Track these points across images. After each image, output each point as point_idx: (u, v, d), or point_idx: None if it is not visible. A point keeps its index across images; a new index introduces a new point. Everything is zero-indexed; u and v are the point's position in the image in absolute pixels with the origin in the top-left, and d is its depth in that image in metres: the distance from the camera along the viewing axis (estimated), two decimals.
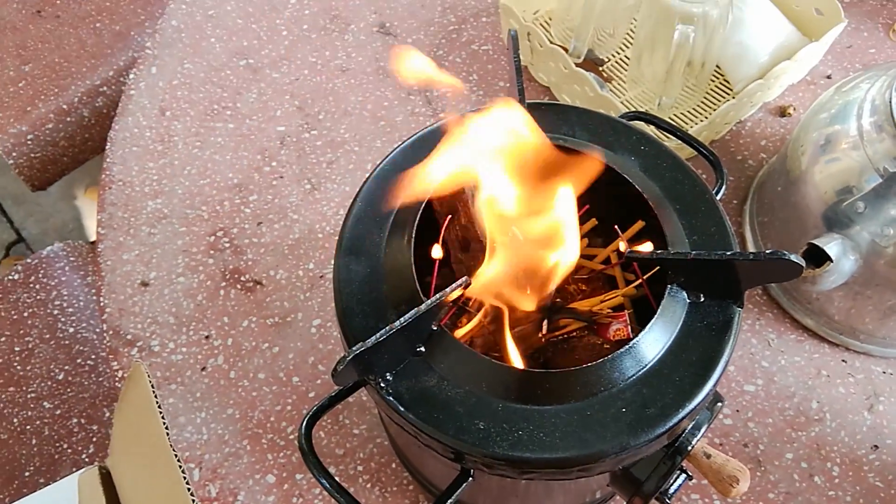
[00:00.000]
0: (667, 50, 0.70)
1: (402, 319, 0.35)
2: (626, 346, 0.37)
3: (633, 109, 0.78)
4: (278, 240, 0.74)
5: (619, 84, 0.81)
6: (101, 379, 0.97)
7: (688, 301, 0.39)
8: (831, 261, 0.53)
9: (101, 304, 0.71)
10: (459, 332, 0.42)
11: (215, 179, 0.77)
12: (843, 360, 0.67)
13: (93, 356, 0.99)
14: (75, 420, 0.95)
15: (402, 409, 0.36)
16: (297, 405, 0.66)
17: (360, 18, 0.89)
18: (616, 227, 0.46)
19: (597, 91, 0.72)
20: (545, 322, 0.43)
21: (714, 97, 0.80)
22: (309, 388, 0.66)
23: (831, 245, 0.53)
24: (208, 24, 0.88)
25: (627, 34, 0.83)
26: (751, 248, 0.72)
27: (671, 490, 0.48)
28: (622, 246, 0.44)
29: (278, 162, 0.78)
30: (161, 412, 0.46)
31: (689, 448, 0.40)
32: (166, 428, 0.44)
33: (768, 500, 0.60)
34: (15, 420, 0.95)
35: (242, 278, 0.72)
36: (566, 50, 0.77)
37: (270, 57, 0.85)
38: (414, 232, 0.40)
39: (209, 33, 0.87)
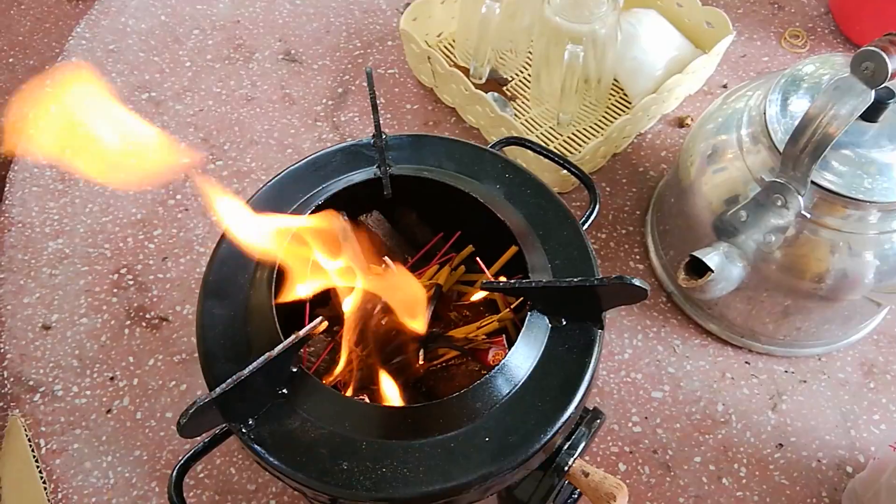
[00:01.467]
0: (561, 69, 0.71)
1: (253, 365, 0.34)
2: (485, 377, 0.37)
3: (534, 127, 0.79)
4: (184, 274, 0.73)
5: (523, 102, 0.82)
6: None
7: (549, 326, 0.40)
8: (712, 271, 0.54)
9: (1, 350, 0.69)
10: (334, 372, 0.42)
11: (118, 216, 0.76)
12: (747, 362, 0.69)
13: None
14: None
15: (264, 454, 0.36)
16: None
17: (264, 46, 0.88)
18: (493, 252, 0.47)
19: (496, 111, 0.73)
20: (421, 351, 0.44)
21: (615, 112, 0.81)
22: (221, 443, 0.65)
23: (711, 256, 0.54)
24: (109, 59, 0.87)
25: (529, 53, 0.84)
26: (653, 256, 0.73)
27: None
28: (485, 276, 0.44)
29: (183, 195, 0.77)
30: (38, 467, 0.45)
31: (567, 468, 0.41)
32: (44, 482, 0.43)
33: None
34: None
35: (147, 315, 0.70)
36: (467, 72, 0.78)
37: (173, 89, 0.85)
38: (275, 275, 0.40)
39: (110, 68, 0.86)
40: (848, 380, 0.68)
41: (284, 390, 0.38)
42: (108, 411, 0.66)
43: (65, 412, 0.66)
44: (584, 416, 0.43)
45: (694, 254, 0.54)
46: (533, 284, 0.38)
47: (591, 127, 0.80)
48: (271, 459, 0.36)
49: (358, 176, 0.44)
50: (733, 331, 0.69)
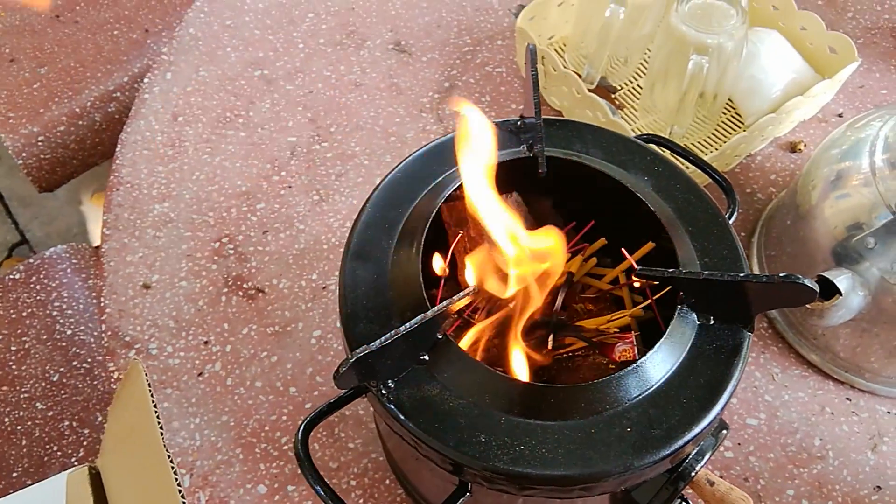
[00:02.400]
0: (680, 80, 0.70)
1: (407, 325, 0.34)
2: (633, 366, 0.36)
3: None
4: (283, 249, 0.73)
5: (630, 112, 0.81)
6: (95, 383, 0.96)
7: (697, 323, 0.39)
8: (840, 294, 0.52)
9: (102, 304, 0.70)
10: (464, 343, 0.42)
11: (223, 186, 0.77)
12: (848, 399, 0.66)
13: (89, 359, 0.99)
14: (67, 423, 0.94)
15: (402, 417, 0.36)
16: (292, 416, 0.65)
17: (376, 35, 0.89)
18: (625, 248, 0.46)
19: (608, 116, 0.72)
20: (550, 338, 0.43)
21: (725, 129, 0.80)
22: (306, 399, 0.66)
23: (841, 279, 0.53)
24: (225, 34, 0.89)
25: (641, 63, 0.83)
26: None
27: None
28: (633, 265, 0.43)
29: (287, 172, 0.78)
30: (157, 412, 0.46)
31: (693, 474, 0.40)
32: (161, 429, 0.44)
33: None
34: (6, 419, 0.94)
35: (245, 286, 0.71)
36: (579, 76, 0.77)
37: (285, 69, 0.86)
38: (423, 241, 0.40)
39: (225, 42, 0.88)
40: None
41: (426, 356, 0.37)
42: (200, 374, 0.67)
43: (157, 370, 0.67)
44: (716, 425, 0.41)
45: (823, 274, 0.53)
46: (691, 276, 0.37)
47: (700, 143, 0.79)
48: (409, 423, 0.36)
49: (507, 154, 0.44)
50: (836, 364, 0.67)
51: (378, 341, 0.33)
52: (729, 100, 0.81)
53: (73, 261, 1.07)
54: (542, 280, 0.41)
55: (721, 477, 0.62)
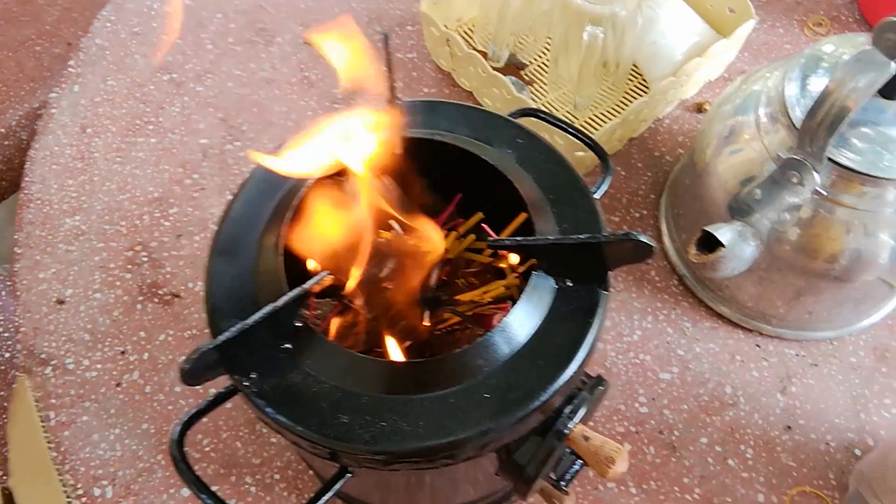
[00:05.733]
0: (579, 52, 0.70)
1: (256, 315, 0.34)
2: (487, 334, 0.36)
3: (552, 111, 0.79)
4: (198, 252, 0.73)
5: (540, 87, 0.81)
6: None
7: (555, 287, 0.39)
8: (724, 246, 0.53)
9: (17, 323, 0.69)
10: (335, 329, 0.42)
11: (135, 194, 0.77)
12: (757, 345, 0.68)
13: (9, 375, 0.97)
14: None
15: (265, 406, 0.36)
16: (213, 417, 0.65)
17: (285, 30, 0.89)
18: (502, 221, 0.46)
19: (513, 94, 0.73)
20: (427, 313, 0.43)
21: (633, 97, 0.80)
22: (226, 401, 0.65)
23: (722, 231, 0.53)
24: (133, 41, 0.88)
25: (547, 38, 0.83)
26: (666, 239, 0.73)
27: (567, 476, 0.49)
28: (490, 236, 0.44)
29: (200, 174, 0.78)
30: (44, 427, 0.45)
31: (566, 431, 0.40)
32: (49, 443, 0.43)
33: (683, 484, 0.61)
34: None
35: (160, 292, 0.71)
36: (485, 56, 0.77)
37: (195, 71, 0.85)
38: (283, 232, 0.40)
39: (133, 50, 0.87)
40: (860, 364, 0.67)
41: (288, 345, 0.37)
42: (118, 385, 0.66)
43: (75, 385, 0.66)
44: (587, 382, 0.42)
45: (706, 228, 0.53)
46: (539, 241, 0.38)
47: (608, 111, 0.79)
48: (271, 412, 0.36)
49: (371, 138, 0.44)
50: (744, 313, 0.68)
51: (223, 335, 0.34)
52: (635, 67, 0.81)
53: (7, 283, 1.06)
54: (414, 259, 0.41)
55: (636, 433, 0.63)
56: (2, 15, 1.29)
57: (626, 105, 0.79)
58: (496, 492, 0.54)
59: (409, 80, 0.84)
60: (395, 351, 0.41)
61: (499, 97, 0.75)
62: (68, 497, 0.43)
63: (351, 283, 0.41)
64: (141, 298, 0.71)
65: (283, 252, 0.40)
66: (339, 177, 0.43)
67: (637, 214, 0.74)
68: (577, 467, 0.47)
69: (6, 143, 1.16)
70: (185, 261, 0.73)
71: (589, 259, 0.39)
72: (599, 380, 0.43)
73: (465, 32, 0.86)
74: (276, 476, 0.62)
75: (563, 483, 0.48)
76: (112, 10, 0.91)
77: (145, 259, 0.73)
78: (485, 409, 0.36)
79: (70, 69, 0.86)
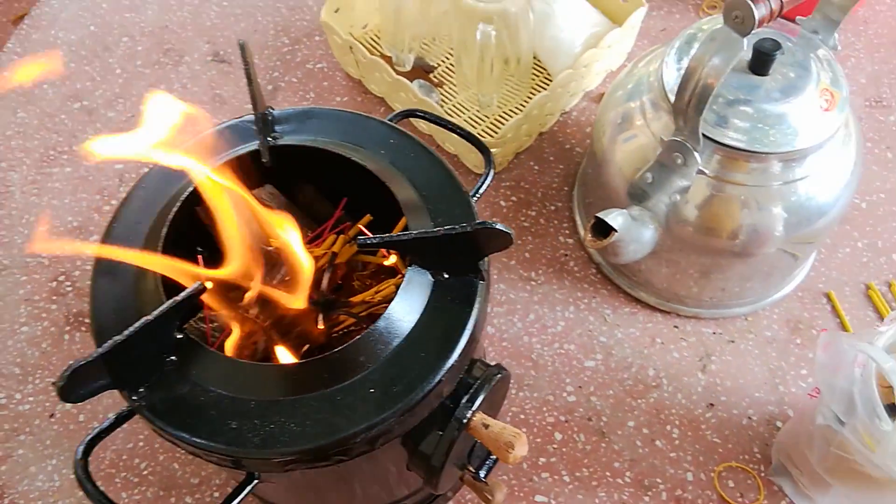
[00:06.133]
0: (476, 51, 0.73)
1: (129, 329, 0.36)
2: (367, 330, 0.38)
3: (460, 112, 0.81)
4: None
5: (450, 88, 0.84)
6: None
7: (432, 280, 0.41)
8: (615, 230, 0.56)
9: None
10: (236, 344, 0.44)
11: (54, 224, 0.77)
12: (675, 326, 0.71)
13: None
14: None
15: (155, 419, 0.37)
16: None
17: (193, 49, 0.89)
18: (391, 222, 0.48)
19: (420, 97, 0.75)
20: (320, 317, 0.45)
21: (540, 92, 0.83)
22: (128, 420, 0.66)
23: (614, 216, 0.56)
24: (39, 72, 0.88)
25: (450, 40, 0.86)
26: (581, 230, 0.75)
27: (483, 470, 0.51)
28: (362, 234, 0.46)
29: (118, 199, 0.78)
30: None
31: (467, 419, 0.42)
32: None
33: (614, 469, 0.63)
34: None
35: (87, 320, 0.71)
36: (391, 61, 0.79)
37: (105, 97, 0.86)
38: (160, 244, 0.41)
39: (41, 80, 0.87)
40: (775, 337, 0.70)
41: (173, 357, 0.39)
42: (52, 416, 0.67)
43: (9, 419, 0.67)
44: (485, 371, 0.44)
45: (598, 215, 0.56)
46: (403, 237, 0.40)
47: (515, 108, 0.82)
48: (161, 424, 0.37)
49: (243, 149, 0.46)
50: (660, 296, 0.71)
51: (98, 350, 0.35)
52: (539, 62, 0.84)
53: None
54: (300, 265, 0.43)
55: (566, 422, 0.66)
56: None
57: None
58: (422, 488, 0.55)
59: (320, 89, 0.85)
60: (284, 356, 0.43)
61: (407, 101, 0.77)
62: None
63: (250, 294, 0.43)
64: (68, 328, 0.71)
65: (159, 267, 0.41)
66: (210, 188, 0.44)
67: (552, 207, 0.77)
68: (494, 458, 0.49)
69: None
70: None
71: (462, 251, 0.41)
72: (498, 368, 0.45)
73: (371, 39, 0.88)
74: (216, 494, 0.63)
75: (481, 474, 0.50)
76: (17, 42, 0.90)
77: (69, 288, 0.73)
78: (370, 404, 0.37)
79: None
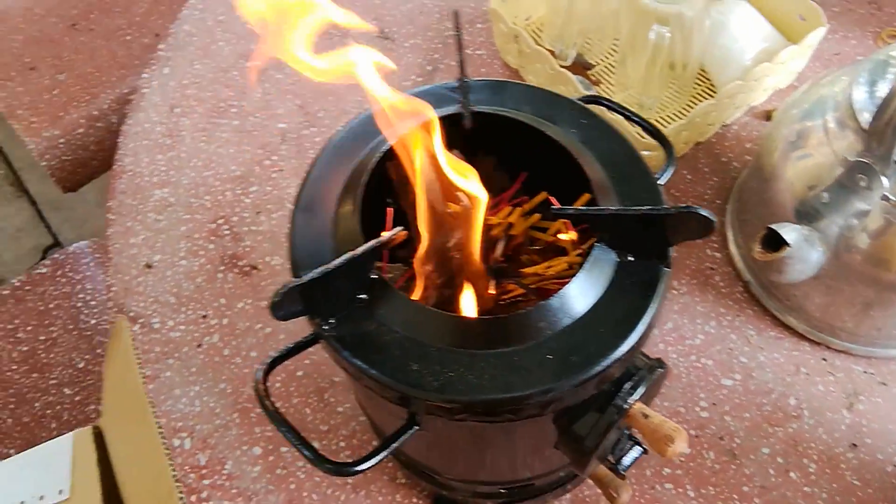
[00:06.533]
0: (646, 52, 0.73)
1: (336, 262, 0.38)
2: (551, 299, 0.39)
3: None
4: (275, 228, 0.78)
5: (607, 87, 0.84)
6: None
7: (617, 260, 0.41)
8: (788, 245, 0.54)
9: (108, 283, 0.75)
10: (406, 285, 0.45)
11: (219, 171, 0.82)
12: (824, 359, 0.68)
13: (94, 340, 1.04)
14: (92, 406, 1.00)
15: (342, 350, 0.39)
16: (285, 382, 0.69)
17: None
18: (566, 201, 0.48)
19: (580, 91, 0.75)
20: (492, 283, 0.46)
21: (699, 101, 0.82)
22: (297, 368, 0.70)
23: (787, 230, 0.55)
24: (218, 29, 0.94)
25: (615, 39, 0.86)
26: (731, 245, 0.74)
27: (625, 461, 0.50)
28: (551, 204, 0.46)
29: (279, 156, 0.83)
30: (140, 366, 0.50)
31: (626, 406, 0.42)
32: (144, 378, 0.48)
33: (742, 492, 0.61)
34: (37, 404, 1.00)
35: (240, 263, 0.76)
36: (553, 54, 0.80)
37: (276, 59, 0.90)
38: (362, 191, 0.43)
39: (218, 37, 0.93)
40: None
41: (364, 295, 0.41)
42: (199, 345, 0.71)
43: (160, 343, 0.71)
44: (648, 363, 0.44)
45: (771, 226, 0.55)
46: (602, 211, 0.40)
47: (675, 114, 0.81)
48: (347, 355, 0.39)
49: (441, 111, 0.47)
50: (811, 325, 0.68)
51: (308, 275, 0.37)
52: (704, 71, 0.83)
53: (96, 255, 1.13)
54: (480, 231, 0.44)
55: (696, 436, 0.64)
56: (98, 6, 1.37)
57: (693, 109, 0.81)
58: (552, 471, 0.56)
59: (477, 75, 0.86)
60: (467, 306, 0.44)
61: (566, 94, 0.78)
62: (163, 436, 0.47)
63: (422, 249, 0.44)
64: (222, 268, 0.75)
65: (360, 211, 0.43)
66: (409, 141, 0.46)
67: (646, 195, 0.75)
68: (635, 454, 0.49)
69: (98, 124, 1.24)
70: (264, 236, 0.77)
71: (650, 235, 0.41)
72: (660, 362, 0.45)
73: (534, 31, 0.89)
74: (342, 444, 0.66)
75: (620, 468, 0.49)
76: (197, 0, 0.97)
77: (227, 232, 0.78)
78: (546, 370, 0.38)
79: (161, 52, 0.92)
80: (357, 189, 0.44)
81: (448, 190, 0.46)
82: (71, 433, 0.60)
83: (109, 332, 0.62)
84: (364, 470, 0.42)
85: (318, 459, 0.41)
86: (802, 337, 0.69)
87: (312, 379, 0.69)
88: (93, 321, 1.07)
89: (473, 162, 0.48)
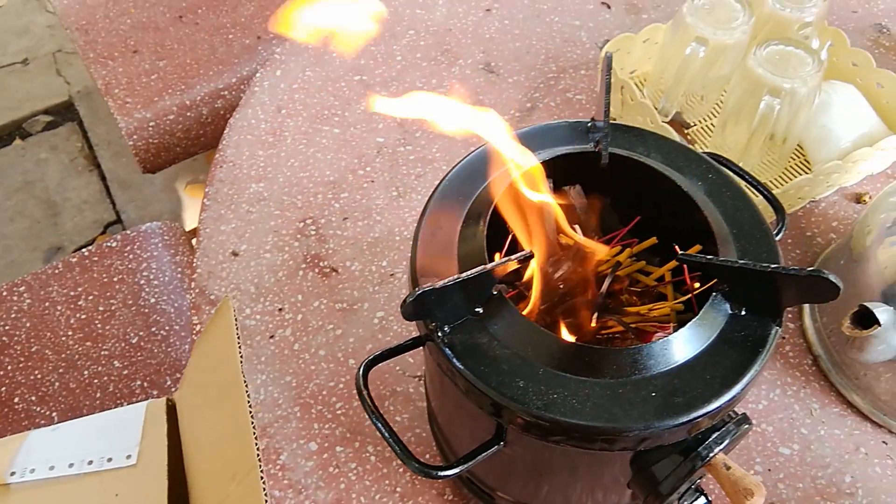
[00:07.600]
0: (751, 120, 0.74)
1: (466, 273, 0.39)
2: (662, 339, 0.40)
3: None
4: (359, 235, 0.80)
5: (702, 148, 0.84)
6: (169, 350, 1.04)
7: (730, 312, 0.42)
8: (879, 324, 0.54)
9: (195, 265, 0.78)
10: (516, 304, 0.46)
11: (313, 174, 0.85)
12: (884, 442, 0.67)
13: (166, 328, 1.07)
14: (139, 383, 1.02)
15: (452, 357, 0.41)
16: (349, 385, 0.70)
17: (468, 55, 0.96)
18: (675, 247, 0.50)
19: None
20: (594, 317, 0.47)
21: (792, 174, 0.82)
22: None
23: (881, 310, 0.55)
24: (332, 41, 0.97)
25: (716, 103, 0.87)
26: (807, 318, 0.73)
27: None
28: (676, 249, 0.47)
29: (372, 168, 0.85)
30: (240, 344, 0.52)
31: (710, 455, 0.43)
32: (241, 358, 0.49)
33: None
34: (86, 372, 1.03)
35: (321, 264, 0.78)
36: (655, 108, 0.81)
37: (382, 77, 0.94)
38: (488, 218, 0.45)
39: (332, 49, 0.96)
40: None
41: (480, 308, 0.42)
42: (272, 337, 0.73)
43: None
44: (736, 416, 0.44)
45: (865, 304, 0.55)
46: (727, 262, 0.41)
47: (766, 183, 0.81)
48: (457, 363, 0.40)
49: (574, 148, 0.49)
50: (876, 406, 0.68)
51: (441, 283, 0.39)
52: (800, 147, 0.83)
53: (165, 237, 1.17)
54: (588, 266, 0.46)
55: None
56: (207, 2, 1.44)
57: (785, 182, 0.82)
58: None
59: (574, 119, 0.89)
60: (570, 334, 0.45)
61: None
62: (252, 416, 0.49)
63: (529, 275, 0.46)
64: (304, 266, 0.78)
65: (486, 233, 0.45)
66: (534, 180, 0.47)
67: (766, 255, 0.75)
68: (701, 502, 0.49)
69: (188, 114, 1.29)
70: (347, 241, 0.79)
71: (766, 292, 0.41)
72: (745, 418, 0.45)
73: (637, 85, 0.91)
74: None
75: None
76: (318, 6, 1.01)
77: (313, 232, 0.80)
78: (650, 406, 0.39)
79: (276, 55, 0.96)
80: (485, 212, 0.45)
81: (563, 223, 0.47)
82: (144, 402, 0.62)
83: (218, 308, 0.64)
84: (447, 476, 0.43)
85: (408, 457, 0.42)
86: (866, 417, 0.68)
87: (374, 386, 0.70)
88: (152, 300, 1.10)
89: (591, 196, 0.50)
